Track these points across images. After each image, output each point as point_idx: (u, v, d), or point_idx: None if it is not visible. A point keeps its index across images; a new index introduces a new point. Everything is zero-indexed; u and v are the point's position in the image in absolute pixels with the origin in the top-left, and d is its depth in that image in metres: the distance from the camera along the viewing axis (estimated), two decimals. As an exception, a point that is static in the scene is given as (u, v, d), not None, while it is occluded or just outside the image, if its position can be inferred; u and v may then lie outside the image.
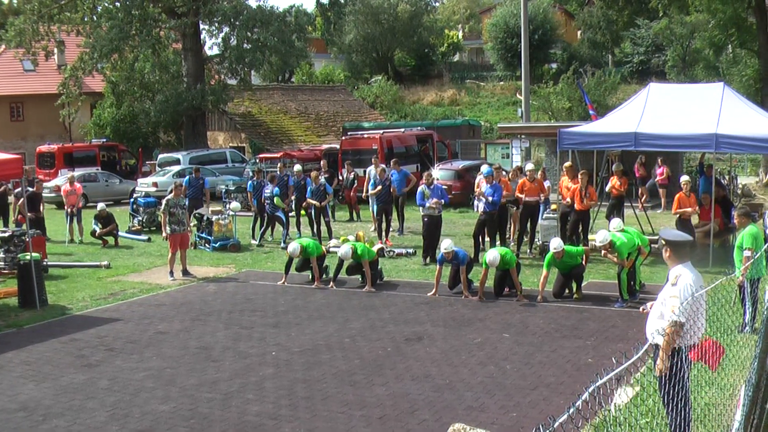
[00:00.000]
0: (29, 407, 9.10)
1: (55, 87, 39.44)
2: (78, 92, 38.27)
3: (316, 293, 14.94)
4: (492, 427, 7.93)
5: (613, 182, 18.54)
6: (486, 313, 12.98)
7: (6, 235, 17.47)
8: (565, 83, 45.40)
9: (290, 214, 21.55)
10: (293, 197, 21.51)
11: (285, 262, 15.96)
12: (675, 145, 17.32)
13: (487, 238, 17.58)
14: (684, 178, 17.01)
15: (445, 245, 14.06)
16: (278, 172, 21.74)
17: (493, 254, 13.64)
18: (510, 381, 9.53)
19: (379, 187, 19.73)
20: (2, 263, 17.18)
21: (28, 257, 14.41)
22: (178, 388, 9.62)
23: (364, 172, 23.95)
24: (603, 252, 13.52)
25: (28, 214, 18.98)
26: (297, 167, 22.66)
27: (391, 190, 19.97)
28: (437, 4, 76.48)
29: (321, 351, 11.07)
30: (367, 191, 21.34)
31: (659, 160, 24.90)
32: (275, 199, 20.34)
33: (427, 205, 17.35)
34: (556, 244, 13.38)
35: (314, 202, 20.05)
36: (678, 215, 16.40)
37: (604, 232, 13.35)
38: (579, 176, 17.04)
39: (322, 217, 20.21)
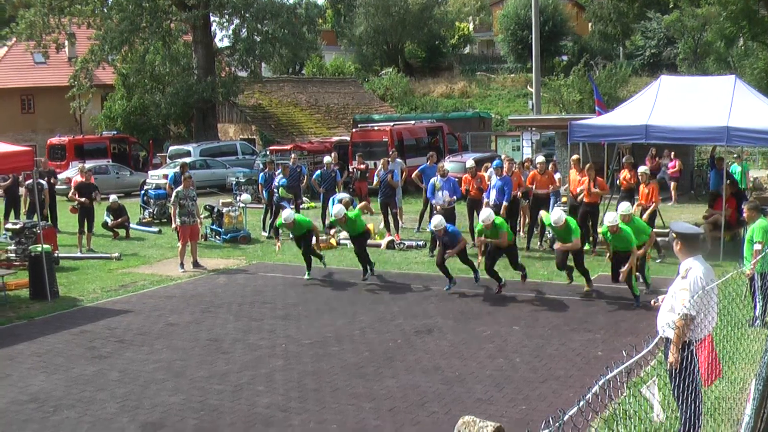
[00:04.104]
0: (40, 399, 9.15)
1: (65, 79, 39.61)
2: (89, 84, 38.42)
3: (325, 286, 14.96)
4: (501, 420, 7.92)
5: (624, 175, 18.47)
6: (496, 305, 12.98)
7: (17, 227, 17.52)
8: (576, 76, 45.29)
9: (301, 206, 21.45)
10: (322, 190, 21.26)
11: (278, 226, 15.93)
12: (686, 138, 17.27)
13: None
14: (641, 169, 16.88)
15: (435, 222, 13.76)
16: (291, 164, 21.59)
17: (486, 212, 13.48)
18: (519, 374, 9.52)
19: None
20: (14, 255, 17.23)
21: (39, 249, 14.47)
22: (188, 380, 9.65)
23: (375, 164, 23.83)
24: (607, 256, 13.33)
25: (82, 200, 19.08)
26: (327, 158, 22.39)
27: (391, 181, 19.71)
28: (448, -4, 76.20)
29: (330, 343, 11.09)
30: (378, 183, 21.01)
31: (672, 154, 24.79)
32: (280, 189, 20.36)
33: (434, 201, 17.31)
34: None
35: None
36: (649, 208, 16.20)
37: (613, 213, 13.19)
38: (586, 170, 16.97)
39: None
